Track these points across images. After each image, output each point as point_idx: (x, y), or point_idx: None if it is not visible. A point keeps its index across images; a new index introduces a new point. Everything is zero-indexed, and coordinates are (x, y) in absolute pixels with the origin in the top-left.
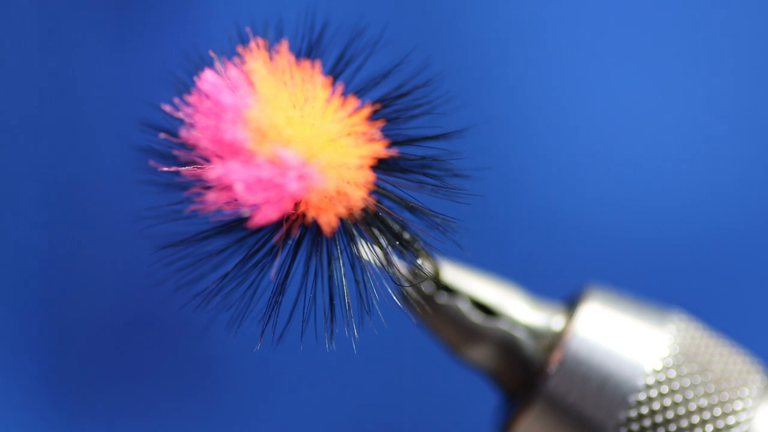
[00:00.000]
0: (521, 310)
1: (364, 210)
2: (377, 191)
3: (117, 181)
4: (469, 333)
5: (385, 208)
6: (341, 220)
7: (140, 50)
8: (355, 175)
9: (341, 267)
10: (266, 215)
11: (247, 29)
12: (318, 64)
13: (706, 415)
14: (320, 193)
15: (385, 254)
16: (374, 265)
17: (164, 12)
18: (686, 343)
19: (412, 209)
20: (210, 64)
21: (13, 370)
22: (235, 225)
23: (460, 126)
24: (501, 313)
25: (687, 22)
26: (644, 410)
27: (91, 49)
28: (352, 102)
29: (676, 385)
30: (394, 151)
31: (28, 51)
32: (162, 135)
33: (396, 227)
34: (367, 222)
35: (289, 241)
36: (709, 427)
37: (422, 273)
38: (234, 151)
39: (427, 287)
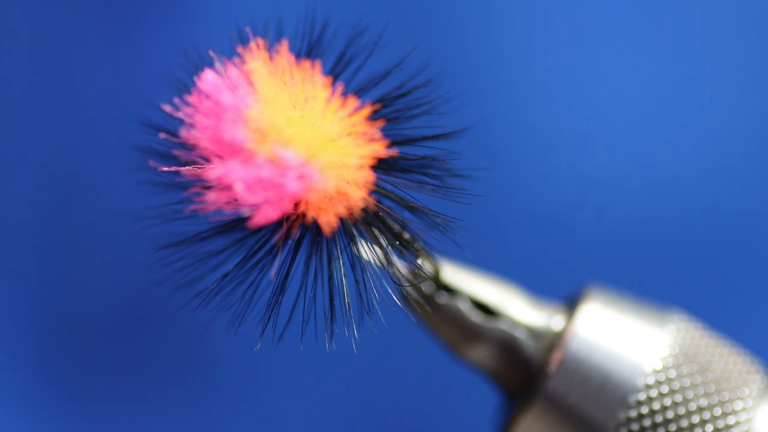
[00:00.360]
0: (521, 310)
1: (364, 210)
2: (377, 191)
3: (117, 181)
4: (469, 333)
5: (385, 208)
6: (341, 220)
7: (140, 50)
8: (355, 175)
9: (341, 267)
10: (266, 215)
11: (247, 29)
12: (318, 64)
13: (706, 415)
14: (320, 193)
15: (385, 254)
16: (374, 265)
17: (164, 12)
18: (686, 343)
19: (412, 209)
20: (210, 64)
21: (12, 368)
22: (235, 225)
23: (460, 126)
24: (501, 313)
25: (688, 21)
26: (644, 410)
27: (90, 49)
28: (352, 102)
29: (676, 385)
30: (394, 151)
31: (28, 51)
32: (162, 135)
33: (396, 227)
34: (367, 222)
35: (289, 241)
36: (709, 427)
37: (422, 273)
38: (234, 151)
39: (427, 287)
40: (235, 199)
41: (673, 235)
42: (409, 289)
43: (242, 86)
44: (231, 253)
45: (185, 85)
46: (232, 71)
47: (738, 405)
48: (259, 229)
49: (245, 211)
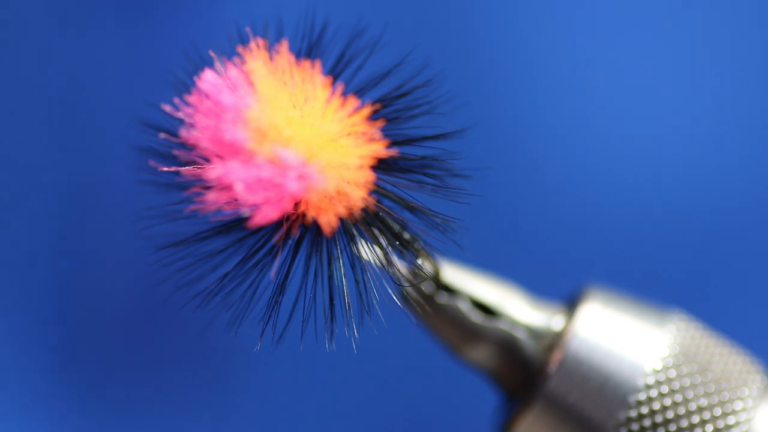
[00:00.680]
0: (521, 310)
1: (364, 210)
2: (377, 191)
3: (117, 180)
4: (469, 333)
5: (385, 208)
6: (341, 220)
7: (140, 50)
8: (355, 175)
9: (341, 267)
10: (266, 215)
11: (247, 29)
12: (318, 64)
13: (706, 415)
14: (320, 193)
15: (385, 254)
16: (374, 265)
17: (164, 12)
18: (686, 343)
19: (412, 209)
20: (210, 64)
21: (13, 368)
22: (235, 225)
23: (460, 126)
24: (501, 313)
25: (687, 22)
26: (644, 410)
27: (91, 49)
28: (352, 102)
29: (676, 385)
30: (394, 151)
31: (28, 51)
32: (162, 135)
33: (396, 227)
34: (367, 222)
35: (289, 241)
36: (709, 427)
37: (422, 273)
38: (234, 151)
39: (427, 287)
40: (235, 199)
41: (673, 234)
42: (409, 289)
43: (242, 86)
44: (231, 253)
45: (185, 85)
46: (232, 71)
47: (738, 405)
48: (259, 229)
49: (245, 211)
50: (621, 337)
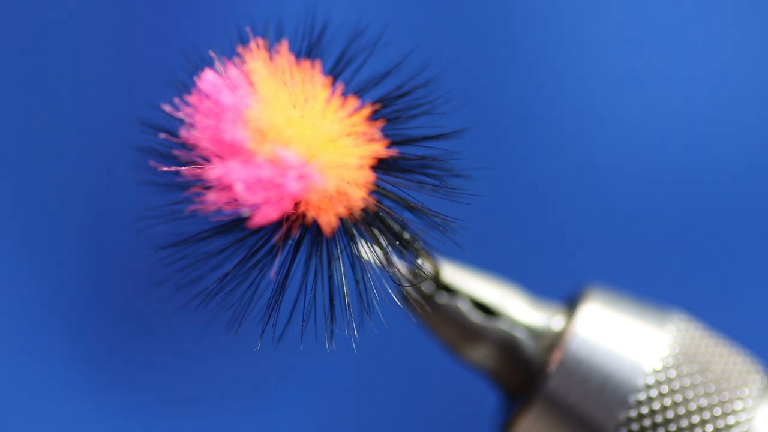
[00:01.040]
0: (521, 310)
1: (364, 210)
2: (377, 191)
3: (117, 181)
4: (469, 333)
5: (385, 208)
6: (341, 220)
7: (140, 50)
8: (355, 175)
9: (341, 267)
10: (266, 215)
11: (247, 29)
12: (318, 64)
13: (706, 415)
14: (320, 193)
15: (385, 254)
16: (374, 265)
17: (164, 12)
18: (686, 343)
19: (412, 209)
20: (210, 64)
21: (13, 368)
22: (235, 225)
23: (460, 126)
24: (501, 313)
25: (687, 22)
26: (644, 410)
27: (91, 49)
28: (352, 102)
29: (676, 385)
30: (394, 151)
31: (28, 51)
32: (162, 135)
33: (396, 227)
34: (367, 222)
35: (289, 241)
36: (709, 427)
37: (422, 273)
38: (234, 151)
39: (427, 287)
40: (235, 199)
41: (673, 234)
42: (409, 289)
43: (242, 86)
44: (231, 253)
45: (185, 85)
46: (232, 71)
47: (738, 405)
48: (259, 229)
49: (245, 211)
50: (621, 337)
